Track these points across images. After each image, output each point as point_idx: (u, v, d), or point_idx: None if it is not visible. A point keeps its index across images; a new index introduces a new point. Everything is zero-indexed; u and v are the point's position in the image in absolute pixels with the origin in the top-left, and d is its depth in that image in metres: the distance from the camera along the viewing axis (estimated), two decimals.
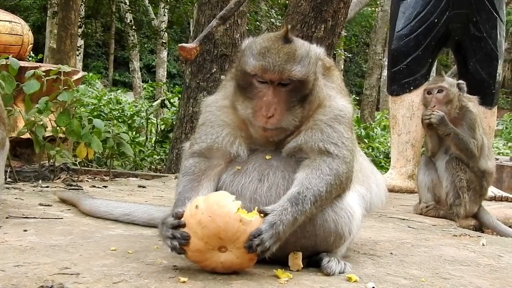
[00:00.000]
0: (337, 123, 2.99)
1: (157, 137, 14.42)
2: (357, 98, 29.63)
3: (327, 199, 2.87)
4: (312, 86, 2.92)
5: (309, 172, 2.87)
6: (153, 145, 14.23)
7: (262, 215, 2.67)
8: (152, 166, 13.01)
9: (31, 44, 8.03)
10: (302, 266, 2.87)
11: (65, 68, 6.46)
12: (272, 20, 16.03)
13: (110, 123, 9.13)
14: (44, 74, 6.39)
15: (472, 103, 5.92)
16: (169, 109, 16.30)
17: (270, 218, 2.67)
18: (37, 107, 6.20)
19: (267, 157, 2.96)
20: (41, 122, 6.17)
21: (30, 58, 20.26)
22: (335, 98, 3.07)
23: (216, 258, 2.62)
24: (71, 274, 2.56)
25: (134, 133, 15.17)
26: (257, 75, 2.87)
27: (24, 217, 3.96)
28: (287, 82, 2.86)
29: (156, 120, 15.46)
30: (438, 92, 5.78)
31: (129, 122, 15.44)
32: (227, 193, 2.71)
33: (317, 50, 3.05)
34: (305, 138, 2.95)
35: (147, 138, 14.95)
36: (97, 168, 9.06)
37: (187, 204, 2.76)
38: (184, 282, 2.52)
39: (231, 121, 3.06)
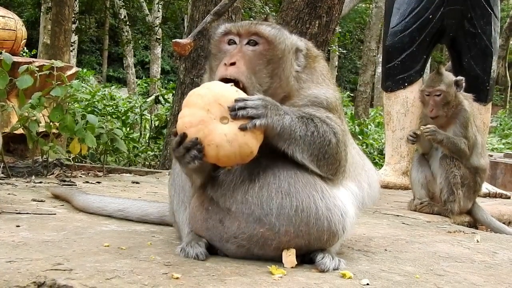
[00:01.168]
0: (315, 107, 2.96)
1: (151, 133, 14.42)
2: (351, 94, 29.68)
3: (309, 146, 2.82)
4: (281, 54, 2.91)
5: (309, 112, 2.89)
6: (147, 141, 14.23)
7: None
8: (146, 162, 13.01)
9: (24, 39, 7.99)
10: (296, 263, 2.86)
11: (58, 64, 6.43)
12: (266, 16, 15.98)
13: (104, 118, 9.10)
14: (38, 69, 6.37)
15: (467, 101, 5.90)
16: (163, 105, 16.31)
17: (263, 96, 2.74)
18: (30, 103, 6.18)
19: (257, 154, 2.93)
20: (35, 118, 6.15)
21: (24, 54, 20.21)
22: (309, 88, 3.03)
23: (220, 130, 2.62)
24: (64, 270, 2.54)
25: (128, 129, 15.16)
26: (227, 32, 2.93)
27: (17, 213, 3.94)
28: (255, 39, 2.89)
29: (150, 116, 15.45)
30: (435, 95, 5.75)
31: (123, 118, 15.43)
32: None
33: (296, 39, 3.06)
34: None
35: (141, 134, 14.94)
36: (90, 164, 9.03)
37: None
38: (177, 278, 2.50)
39: None
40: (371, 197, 3.29)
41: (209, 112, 2.61)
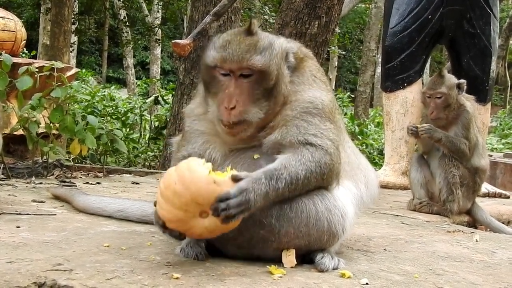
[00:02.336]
0: (310, 116, 2.94)
1: (151, 134, 14.44)
2: (352, 95, 29.66)
3: (303, 186, 2.82)
4: (275, 78, 2.88)
5: (290, 155, 2.84)
6: (147, 142, 14.24)
7: (234, 181, 2.63)
8: (146, 163, 13.02)
9: (24, 40, 8.00)
10: (295, 262, 2.86)
11: (58, 65, 6.43)
12: (265, 16, 16.02)
13: (103, 119, 9.11)
14: (37, 70, 6.37)
15: (469, 102, 5.90)
16: (163, 106, 16.33)
17: (242, 184, 2.63)
18: (30, 104, 6.19)
19: (255, 156, 2.93)
20: (34, 119, 6.16)
21: (23, 55, 20.20)
22: (303, 91, 3.00)
23: (201, 224, 2.61)
24: (64, 271, 2.55)
25: (128, 130, 15.17)
26: (218, 66, 2.87)
27: (17, 214, 3.95)
28: (248, 72, 2.84)
29: (150, 117, 15.47)
30: (437, 97, 5.75)
31: (123, 119, 15.44)
32: (196, 158, 2.67)
33: (284, 44, 3.01)
34: (282, 135, 2.90)
35: (141, 135, 14.96)
36: (90, 165, 9.04)
37: None
38: (177, 278, 2.51)
39: (206, 129, 3.05)
40: (370, 196, 3.28)
41: (187, 211, 2.57)
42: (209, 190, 2.55)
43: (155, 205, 2.70)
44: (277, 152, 2.90)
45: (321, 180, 2.88)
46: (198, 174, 2.54)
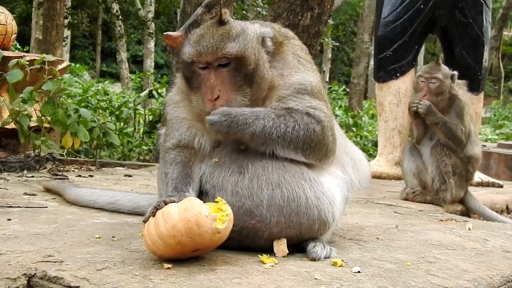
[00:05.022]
0: (300, 95, 2.96)
1: (145, 128, 14.41)
2: (347, 89, 29.68)
3: (290, 142, 2.86)
4: (254, 63, 2.88)
5: (284, 109, 2.91)
6: (141, 135, 14.21)
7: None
8: (141, 157, 13.00)
9: (15, 33, 7.93)
10: (287, 252, 2.86)
11: (49, 58, 6.39)
12: (258, 9, 15.98)
13: (96, 113, 9.07)
14: (28, 63, 6.34)
15: (461, 90, 5.93)
16: (157, 100, 16.29)
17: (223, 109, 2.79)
18: (21, 97, 6.15)
19: (242, 147, 2.92)
20: (26, 112, 6.12)
21: (16, 50, 20.12)
22: (290, 75, 3.02)
23: (190, 255, 2.64)
24: (55, 262, 2.54)
25: (122, 124, 15.14)
26: (195, 61, 2.88)
27: (8, 206, 3.93)
28: (225, 61, 2.85)
29: (144, 111, 15.44)
30: (431, 82, 5.76)
31: (117, 113, 15.41)
32: (201, 204, 2.58)
33: (259, 29, 3.00)
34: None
35: (135, 128, 14.94)
36: (83, 158, 9.01)
37: (189, 190, 2.83)
38: (168, 268, 2.50)
39: (186, 115, 3.06)
40: (361, 179, 3.27)
41: (184, 254, 2.61)
42: (213, 240, 2.58)
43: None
44: None
45: (308, 148, 2.90)
46: (205, 229, 2.52)
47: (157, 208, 2.60)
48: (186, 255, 2.61)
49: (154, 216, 2.59)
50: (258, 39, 2.96)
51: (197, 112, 2.96)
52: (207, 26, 2.93)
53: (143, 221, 2.66)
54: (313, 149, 2.91)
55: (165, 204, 2.60)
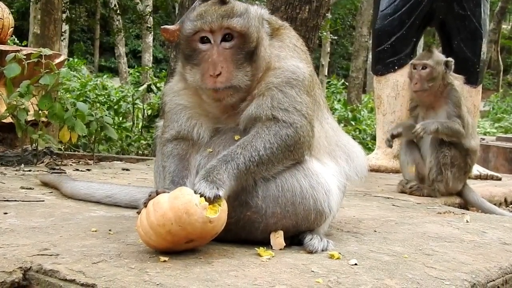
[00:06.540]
0: (289, 87, 2.93)
1: (144, 122, 14.39)
2: (346, 83, 29.65)
3: (270, 159, 2.80)
4: (256, 42, 2.89)
5: (250, 133, 2.86)
6: (140, 130, 14.19)
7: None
8: (139, 152, 12.98)
9: (11, 27, 7.91)
10: (284, 244, 2.86)
11: (46, 51, 6.38)
12: (256, 2, 15.95)
13: (93, 107, 9.06)
14: (25, 57, 6.32)
15: (457, 81, 5.91)
16: (155, 94, 16.27)
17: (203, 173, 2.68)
18: (18, 91, 6.14)
19: (236, 137, 2.91)
20: (23, 106, 6.11)
21: (14, 44, 20.07)
22: (285, 59, 3.01)
23: (184, 247, 2.63)
24: (50, 255, 2.53)
25: (120, 118, 15.12)
26: (198, 33, 2.85)
27: (4, 200, 3.92)
28: (229, 36, 2.84)
29: (143, 105, 15.41)
30: (422, 68, 5.78)
31: (115, 107, 15.39)
32: (188, 191, 2.59)
33: (259, 10, 3.03)
34: (256, 107, 2.89)
35: (133, 123, 14.92)
36: (81, 153, 9.00)
37: (186, 183, 2.83)
38: (164, 261, 2.50)
39: (188, 103, 3.05)
40: (358, 171, 3.26)
41: (176, 244, 2.60)
42: (205, 230, 2.56)
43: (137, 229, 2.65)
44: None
45: (289, 153, 2.87)
46: (195, 217, 2.51)
47: (149, 198, 2.60)
48: (179, 246, 2.60)
49: (146, 206, 2.59)
50: (259, 19, 2.98)
51: (194, 94, 2.96)
52: (208, 4, 2.92)
53: (137, 212, 2.67)
54: (294, 151, 2.88)
55: (157, 194, 2.60)
